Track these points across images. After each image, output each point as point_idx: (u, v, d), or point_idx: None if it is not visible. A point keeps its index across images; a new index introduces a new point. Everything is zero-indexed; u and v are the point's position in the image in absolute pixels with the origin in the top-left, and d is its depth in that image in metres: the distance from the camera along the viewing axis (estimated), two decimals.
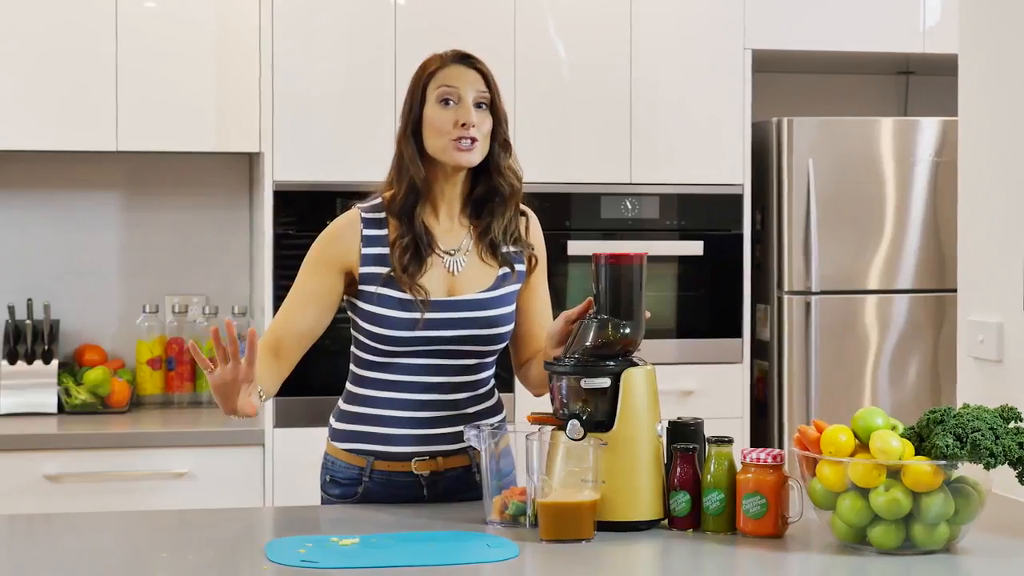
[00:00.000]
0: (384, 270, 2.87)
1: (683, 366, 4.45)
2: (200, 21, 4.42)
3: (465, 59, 2.89)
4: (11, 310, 4.50)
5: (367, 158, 4.29)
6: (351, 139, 4.32)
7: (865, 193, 4.58)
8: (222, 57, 4.43)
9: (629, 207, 4.51)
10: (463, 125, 2.83)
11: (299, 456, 4.19)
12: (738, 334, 4.57)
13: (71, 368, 4.56)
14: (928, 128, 4.63)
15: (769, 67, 4.76)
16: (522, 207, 2.99)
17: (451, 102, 2.85)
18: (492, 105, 2.89)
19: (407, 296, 2.86)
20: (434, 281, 2.88)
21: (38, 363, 4.45)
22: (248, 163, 4.75)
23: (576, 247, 4.43)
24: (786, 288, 4.55)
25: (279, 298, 4.27)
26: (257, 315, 4.59)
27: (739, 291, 4.57)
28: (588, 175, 4.47)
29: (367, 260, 2.88)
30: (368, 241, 2.89)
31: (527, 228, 3.00)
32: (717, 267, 4.57)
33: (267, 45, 4.29)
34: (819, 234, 4.52)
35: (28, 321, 4.49)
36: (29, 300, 4.52)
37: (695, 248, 4.53)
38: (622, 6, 4.47)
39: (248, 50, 4.41)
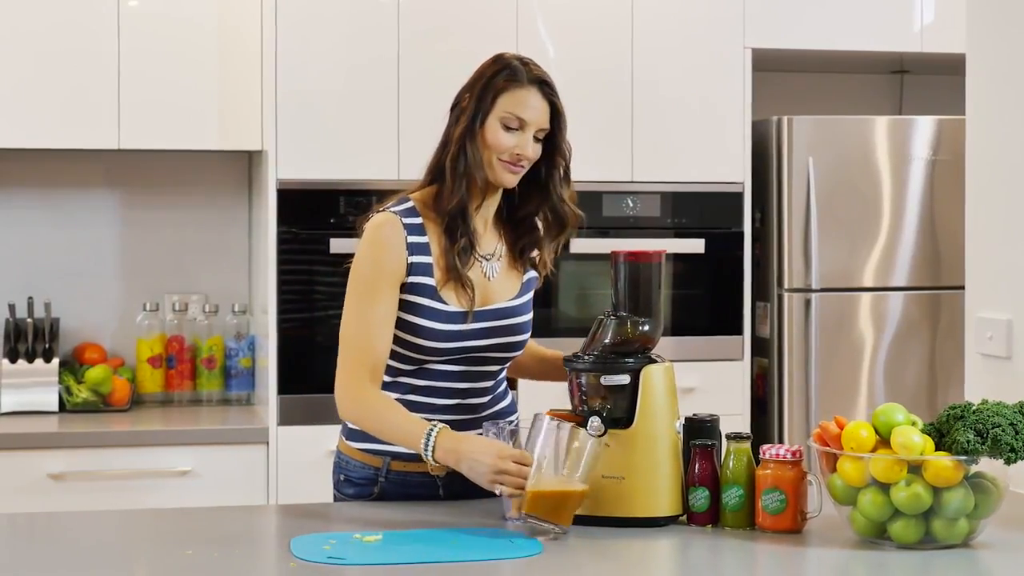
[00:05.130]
0: (428, 281, 2.83)
1: (684, 363, 4.42)
2: (202, 20, 4.42)
3: (543, 86, 2.84)
4: (11, 308, 4.49)
5: (370, 157, 4.32)
6: (354, 138, 4.33)
7: (864, 191, 4.61)
8: (223, 55, 4.43)
9: (630, 205, 4.53)
10: (517, 154, 2.83)
11: (302, 454, 4.21)
12: (738, 331, 4.59)
13: (72, 366, 4.55)
14: (923, 127, 4.66)
15: (767, 66, 4.78)
16: None
17: (513, 129, 2.83)
18: (552, 138, 2.87)
19: (448, 308, 2.83)
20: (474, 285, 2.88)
21: (39, 361, 4.44)
22: (248, 161, 4.75)
23: (577, 245, 4.44)
24: (786, 285, 4.57)
25: (282, 297, 4.28)
26: (258, 314, 4.59)
27: (739, 289, 4.60)
28: (589, 173, 4.46)
29: (413, 269, 2.83)
30: (413, 249, 2.84)
31: None
32: (717, 265, 4.60)
33: (270, 43, 4.29)
34: (819, 232, 4.55)
35: (29, 319, 4.48)
36: (30, 299, 4.51)
37: (696, 246, 4.55)
38: (623, 6, 4.49)
39: (249, 48, 4.41)
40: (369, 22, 4.35)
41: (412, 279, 2.82)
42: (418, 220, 2.85)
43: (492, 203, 2.92)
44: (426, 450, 2.70)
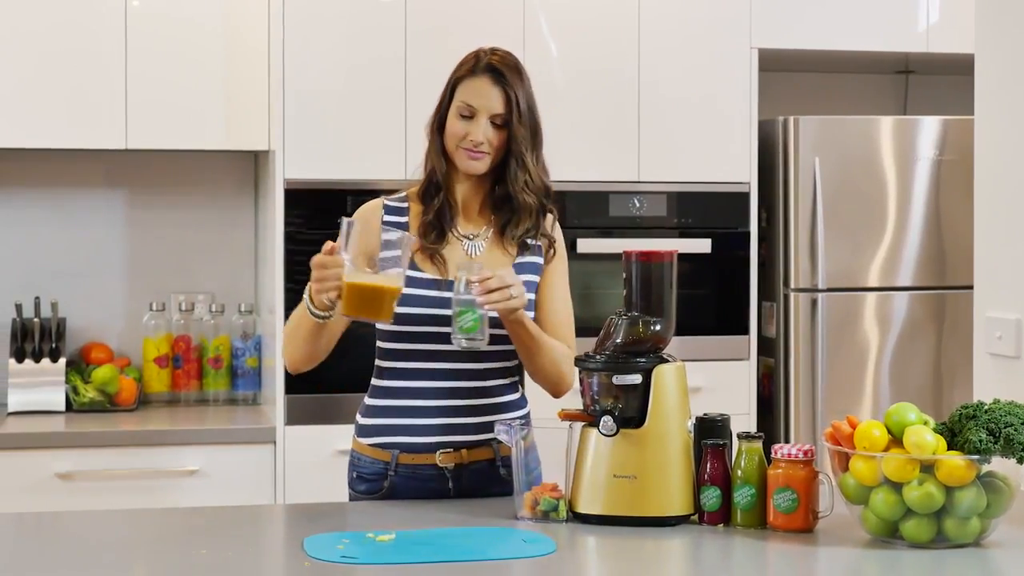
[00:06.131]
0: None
1: (689, 363, 4.41)
2: (208, 20, 4.42)
3: (495, 73, 2.93)
4: (18, 308, 4.49)
5: (377, 156, 4.32)
6: (362, 137, 4.33)
7: (869, 191, 4.62)
8: (230, 55, 4.43)
9: (637, 205, 4.53)
10: (471, 141, 2.91)
11: (309, 453, 4.21)
12: (744, 331, 4.59)
13: (78, 366, 4.56)
14: (929, 127, 4.67)
15: (772, 66, 4.78)
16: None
17: (466, 117, 2.92)
18: (508, 126, 2.93)
19: (423, 275, 2.91)
20: (454, 259, 2.93)
21: (45, 361, 4.44)
22: (254, 161, 4.76)
23: (585, 245, 4.46)
24: (792, 285, 4.58)
25: (289, 297, 4.28)
26: (264, 314, 4.59)
27: (745, 288, 4.60)
28: (596, 173, 4.50)
29: (386, 245, 2.89)
30: (388, 226, 2.93)
31: (551, 225, 3.04)
32: (723, 265, 4.60)
33: (277, 43, 4.29)
34: (825, 232, 4.55)
35: (35, 319, 4.48)
36: (36, 298, 4.51)
37: (702, 246, 4.56)
38: (630, 7, 4.50)
39: (256, 47, 4.41)
40: (375, 21, 4.35)
41: (386, 253, 2.86)
42: (404, 204, 3.01)
43: (469, 192, 3.00)
44: (311, 306, 2.78)
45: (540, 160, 2.99)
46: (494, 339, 2.89)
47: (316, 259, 2.72)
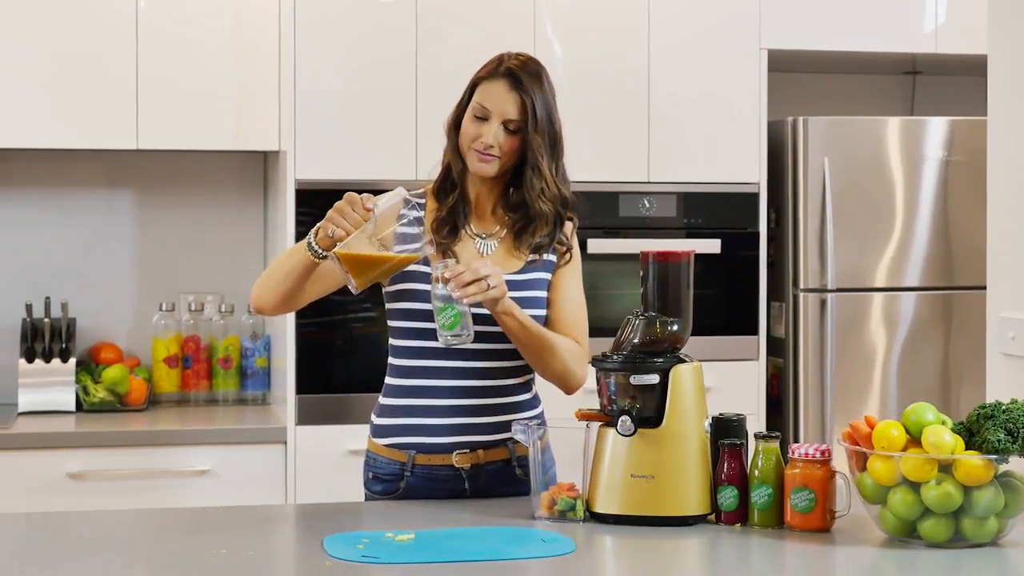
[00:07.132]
0: None
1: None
2: (218, 21, 4.42)
3: (513, 78, 2.92)
4: (28, 308, 4.49)
5: (388, 156, 4.33)
6: (372, 137, 4.33)
7: (878, 191, 4.62)
8: (240, 56, 4.44)
9: (647, 205, 4.54)
10: (482, 143, 2.92)
11: (320, 453, 4.21)
12: (754, 331, 4.60)
13: (88, 366, 4.56)
14: (936, 127, 4.67)
15: (781, 67, 4.79)
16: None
17: (480, 119, 2.93)
18: (523, 132, 2.92)
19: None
20: (465, 256, 2.93)
21: (56, 361, 4.45)
22: (263, 161, 4.76)
23: (593, 245, 4.46)
24: (801, 286, 4.58)
25: None
26: None
27: (755, 289, 4.61)
28: (606, 174, 4.50)
29: (400, 239, 2.89)
30: (410, 222, 2.91)
31: (571, 233, 3.06)
32: (733, 265, 4.60)
33: (288, 43, 4.30)
34: (835, 232, 4.56)
35: (46, 319, 4.49)
36: (47, 299, 4.52)
37: (712, 246, 4.56)
38: (640, 7, 4.50)
39: (266, 48, 4.42)
40: (385, 21, 4.36)
41: (399, 247, 2.89)
42: (421, 200, 2.99)
43: (483, 193, 3.00)
44: (310, 243, 2.80)
45: (560, 169, 2.98)
46: (506, 338, 2.90)
47: (351, 196, 2.74)
